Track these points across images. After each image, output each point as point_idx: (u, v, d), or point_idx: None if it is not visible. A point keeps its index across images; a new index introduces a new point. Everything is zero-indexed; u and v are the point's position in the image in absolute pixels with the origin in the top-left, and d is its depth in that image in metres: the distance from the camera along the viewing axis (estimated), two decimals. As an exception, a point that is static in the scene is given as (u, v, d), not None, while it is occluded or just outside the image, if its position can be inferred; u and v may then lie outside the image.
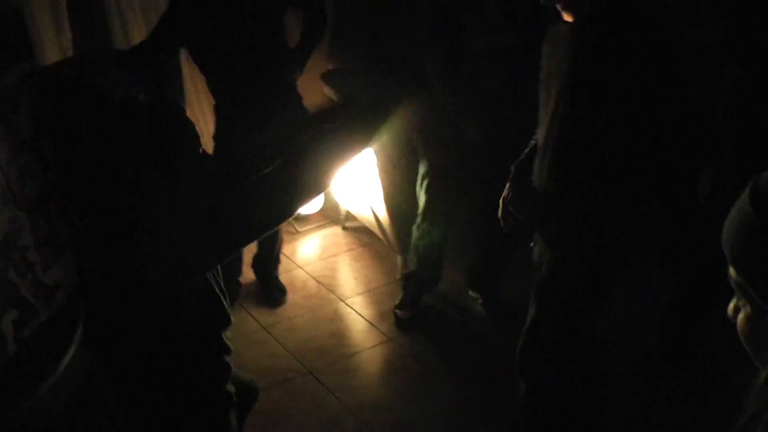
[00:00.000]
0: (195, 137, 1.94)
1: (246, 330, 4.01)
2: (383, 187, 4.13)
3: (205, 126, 4.20)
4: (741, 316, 1.02)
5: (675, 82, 2.37)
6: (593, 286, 2.63)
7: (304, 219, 4.97)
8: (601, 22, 2.35)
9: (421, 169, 3.90)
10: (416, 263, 4.00)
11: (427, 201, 3.88)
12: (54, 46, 3.52)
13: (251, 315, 4.13)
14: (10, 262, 3.04)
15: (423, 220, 3.93)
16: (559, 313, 2.70)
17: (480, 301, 4.10)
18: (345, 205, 4.77)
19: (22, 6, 3.36)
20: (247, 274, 4.27)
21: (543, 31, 2.59)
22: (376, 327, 4.04)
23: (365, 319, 4.11)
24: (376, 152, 4.09)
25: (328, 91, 4.43)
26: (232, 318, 2.08)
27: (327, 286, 4.41)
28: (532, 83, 2.63)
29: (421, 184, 3.90)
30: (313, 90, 4.29)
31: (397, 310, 4.06)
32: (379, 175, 4.11)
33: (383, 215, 4.31)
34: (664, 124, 2.39)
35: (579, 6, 2.37)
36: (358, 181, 4.31)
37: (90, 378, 3.24)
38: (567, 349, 2.75)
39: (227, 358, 2.12)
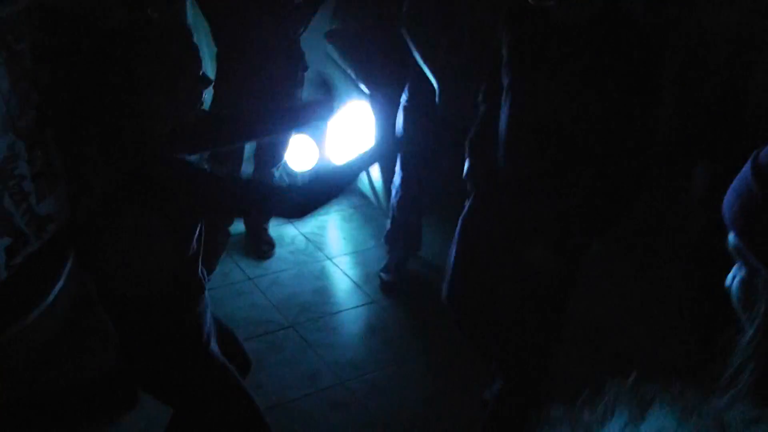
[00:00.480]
0: (197, 60, 2.01)
1: (231, 280, 4.04)
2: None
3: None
4: (736, 280, 1.06)
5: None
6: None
7: (296, 176, 4.98)
8: (595, 26, 2.37)
9: None
10: (391, 223, 4.04)
11: (402, 163, 3.91)
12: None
13: (238, 265, 4.16)
14: (6, 190, 3.05)
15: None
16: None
17: None
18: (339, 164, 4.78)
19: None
20: (237, 225, 4.29)
21: None
22: (360, 288, 4.08)
23: (350, 279, 4.15)
24: (378, 113, 4.11)
25: (331, 51, 4.43)
26: (218, 267, 2.17)
27: (315, 243, 4.44)
28: None
29: None
30: (317, 48, 4.29)
31: (381, 273, 4.10)
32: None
33: (376, 177, 4.34)
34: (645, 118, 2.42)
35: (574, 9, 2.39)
36: (353, 141, 4.33)
37: (77, 310, 3.27)
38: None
39: (203, 319, 2.18)
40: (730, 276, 1.08)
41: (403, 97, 3.76)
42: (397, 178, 3.96)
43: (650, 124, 2.41)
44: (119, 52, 1.91)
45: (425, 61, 3.49)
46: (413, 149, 3.73)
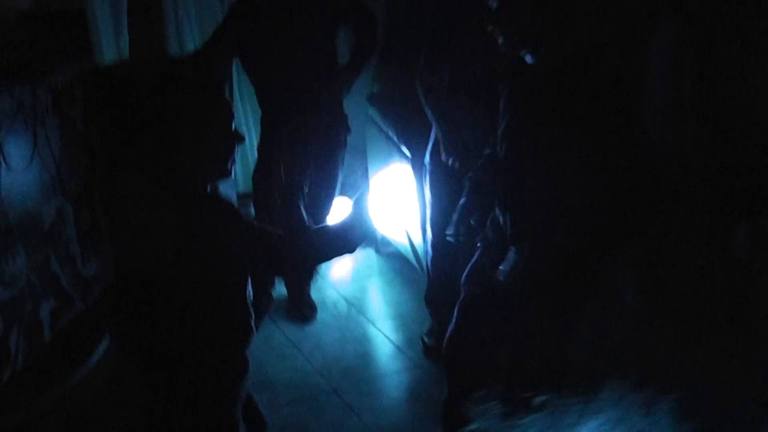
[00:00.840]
0: (228, 112, 2.13)
1: (273, 343, 4.02)
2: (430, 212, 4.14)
3: (248, 140, 4.28)
4: None
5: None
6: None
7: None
8: (569, 72, 2.39)
9: None
10: (429, 285, 4.00)
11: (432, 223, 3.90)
12: (112, 47, 3.63)
13: (280, 329, 4.15)
14: (54, 252, 3.10)
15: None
16: None
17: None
18: (381, 229, 4.79)
19: (86, 7, 3.47)
20: (280, 289, 4.30)
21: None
22: (403, 352, 4.04)
23: (393, 343, 4.11)
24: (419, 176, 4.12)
25: (373, 113, 4.49)
26: (260, 330, 2.18)
27: (358, 307, 4.42)
28: None
29: None
30: (359, 109, 4.35)
31: (424, 337, 4.05)
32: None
33: (419, 241, 4.33)
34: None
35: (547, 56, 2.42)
36: (394, 207, 4.34)
37: (118, 373, 3.28)
38: None
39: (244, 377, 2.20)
40: None
41: (426, 158, 3.77)
42: (430, 238, 3.95)
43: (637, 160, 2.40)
44: (157, 106, 2.01)
45: (435, 116, 3.52)
46: (441, 207, 3.71)
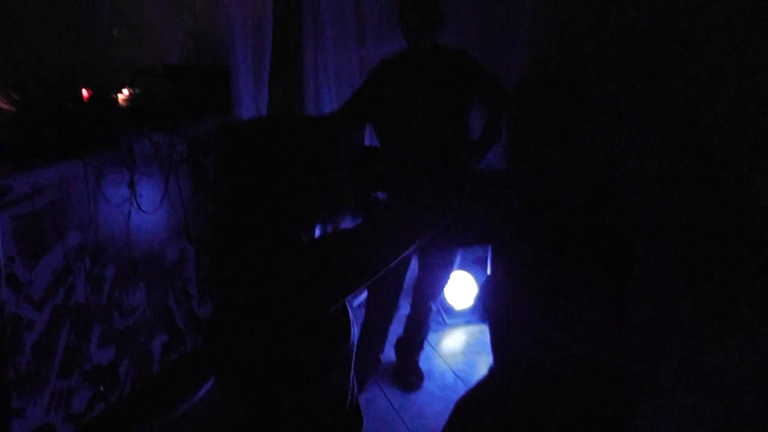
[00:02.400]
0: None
1: (376, 407, 4.04)
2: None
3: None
4: None
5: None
6: None
7: (453, 312, 5.00)
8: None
9: None
10: None
11: None
12: (251, 102, 3.84)
13: (384, 393, 4.17)
14: (172, 290, 3.27)
15: None
16: None
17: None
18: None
19: (230, 63, 3.70)
20: (389, 354, 4.33)
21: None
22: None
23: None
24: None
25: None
26: (363, 392, 2.15)
27: (465, 380, 4.38)
28: None
29: None
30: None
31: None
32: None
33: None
34: None
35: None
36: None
37: (221, 414, 3.38)
38: None
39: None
40: None
41: None
42: None
43: None
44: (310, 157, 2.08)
45: None
46: None
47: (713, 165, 3.35)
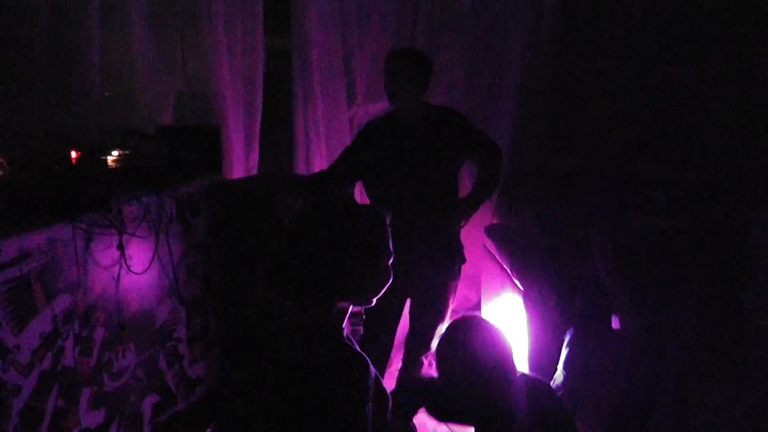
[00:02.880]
0: (388, 248, 2.15)
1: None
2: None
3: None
4: None
5: None
6: None
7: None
8: None
9: None
10: None
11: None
12: (242, 163, 3.87)
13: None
14: (163, 350, 3.26)
15: None
16: None
17: None
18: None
19: (221, 124, 3.74)
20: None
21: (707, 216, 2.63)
22: None
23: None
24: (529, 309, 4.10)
25: (489, 245, 4.52)
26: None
27: (458, 435, 4.35)
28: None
29: None
30: (476, 241, 4.39)
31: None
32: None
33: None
34: None
35: None
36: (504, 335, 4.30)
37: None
38: None
39: None
40: None
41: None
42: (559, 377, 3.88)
43: None
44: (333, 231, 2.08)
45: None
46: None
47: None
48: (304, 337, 2.05)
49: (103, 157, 3.10)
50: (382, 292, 2.17)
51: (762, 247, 3.42)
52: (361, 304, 2.16)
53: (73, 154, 3.04)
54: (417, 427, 4.27)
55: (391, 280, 2.19)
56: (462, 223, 3.75)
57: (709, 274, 3.48)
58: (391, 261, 2.17)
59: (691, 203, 3.36)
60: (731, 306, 3.69)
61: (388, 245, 2.15)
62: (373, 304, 2.19)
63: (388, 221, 2.19)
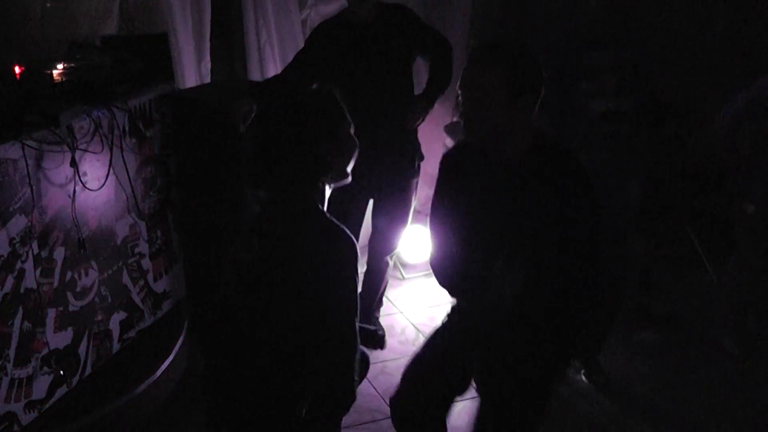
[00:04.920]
0: (347, 120, 2.22)
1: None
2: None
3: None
4: None
5: None
6: None
7: (411, 266, 5.02)
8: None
9: None
10: None
11: None
12: (194, 72, 3.76)
13: (347, 352, 4.18)
14: (125, 266, 3.23)
15: None
16: None
17: (583, 370, 3.98)
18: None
19: (169, 32, 3.61)
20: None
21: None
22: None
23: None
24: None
25: (449, 143, 4.50)
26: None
27: (426, 334, 4.41)
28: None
29: None
30: (436, 139, 4.36)
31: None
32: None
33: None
34: None
35: None
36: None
37: (184, 382, 3.39)
38: None
39: None
40: None
41: None
42: None
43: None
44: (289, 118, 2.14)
45: None
46: None
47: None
48: (288, 217, 2.12)
49: (48, 72, 2.98)
50: (353, 161, 2.23)
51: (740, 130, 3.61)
52: (337, 180, 2.20)
53: (17, 69, 2.92)
54: (385, 328, 4.35)
55: (357, 150, 2.25)
56: (419, 121, 3.75)
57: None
58: (352, 130, 2.23)
59: (637, 83, 3.43)
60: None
61: (345, 115, 2.20)
62: (349, 178, 2.25)
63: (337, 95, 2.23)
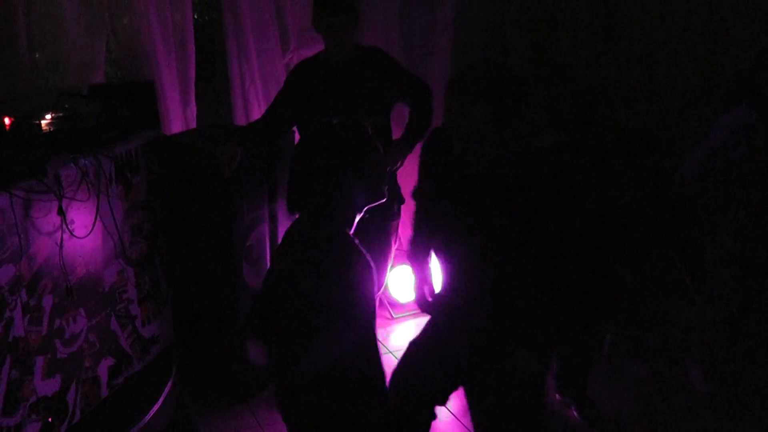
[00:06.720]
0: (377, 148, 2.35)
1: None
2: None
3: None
4: None
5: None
6: None
7: (400, 306, 5.03)
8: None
9: None
10: None
11: None
12: (180, 117, 3.80)
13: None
14: (114, 312, 3.24)
15: None
16: None
17: (573, 405, 3.99)
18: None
19: (154, 79, 3.66)
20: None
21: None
22: (459, 420, 4.01)
23: (450, 411, 4.09)
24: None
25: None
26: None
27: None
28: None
29: None
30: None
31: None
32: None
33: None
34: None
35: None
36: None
37: (173, 426, 3.38)
38: None
39: None
40: None
41: None
42: None
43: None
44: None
45: None
46: None
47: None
48: (319, 241, 2.28)
49: (37, 122, 3.02)
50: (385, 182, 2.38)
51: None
52: (372, 202, 2.39)
53: (6, 120, 2.96)
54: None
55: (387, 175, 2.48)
56: (398, 164, 3.76)
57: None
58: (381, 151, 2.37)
59: (570, 119, 3.52)
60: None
61: (374, 146, 2.34)
62: (384, 197, 2.40)
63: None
